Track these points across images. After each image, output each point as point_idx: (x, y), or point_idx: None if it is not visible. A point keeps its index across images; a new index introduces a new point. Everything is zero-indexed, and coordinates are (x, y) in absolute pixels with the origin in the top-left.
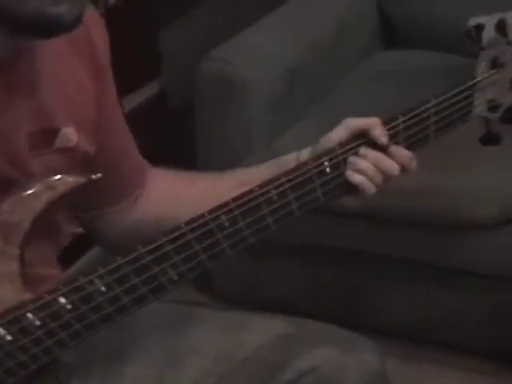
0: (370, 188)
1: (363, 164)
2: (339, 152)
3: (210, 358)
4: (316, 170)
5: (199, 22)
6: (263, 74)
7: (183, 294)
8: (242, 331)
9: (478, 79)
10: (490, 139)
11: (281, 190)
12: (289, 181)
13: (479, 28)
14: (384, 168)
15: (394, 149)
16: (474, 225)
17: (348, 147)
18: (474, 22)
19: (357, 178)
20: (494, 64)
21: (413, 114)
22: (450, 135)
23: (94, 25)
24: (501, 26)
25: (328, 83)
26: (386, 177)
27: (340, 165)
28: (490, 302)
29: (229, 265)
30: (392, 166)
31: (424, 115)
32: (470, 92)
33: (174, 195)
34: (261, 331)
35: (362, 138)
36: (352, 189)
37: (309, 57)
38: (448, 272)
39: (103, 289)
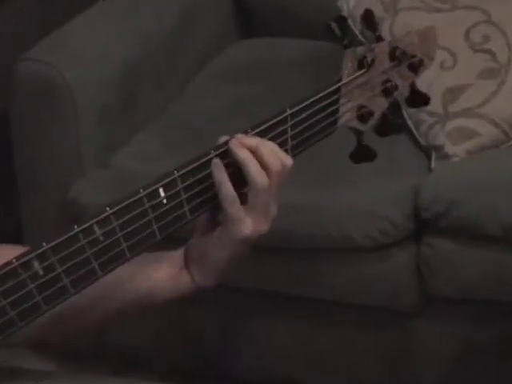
0: (260, 175)
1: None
2: (177, 175)
3: None
4: (149, 204)
5: (8, 17)
6: (92, 77)
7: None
8: None
9: (343, 82)
10: (362, 155)
11: (107, 228)
12: (116, 216)
13: (341, 21)
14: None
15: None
16: (352, 249)
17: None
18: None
19: (242, 153)
20: (362, 63)
21: (263, 127)
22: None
23: None
24: (368, 18)
25: (174, 83)
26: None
27: (180, 193)
28: (377, 339)
29: None
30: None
31: (279, 129)
32: (334, 98)
33: None
34: None
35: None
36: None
37: (147, 53)
38: (321, 306)
39: None
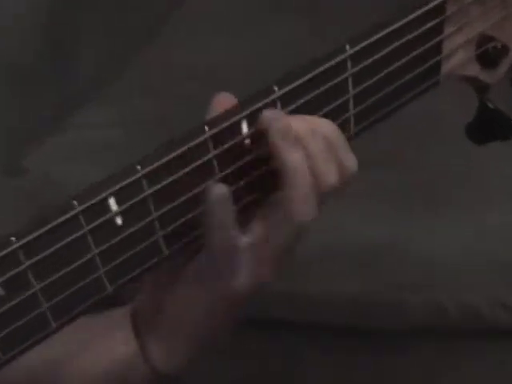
0: (307, 205)
1: None
2: (142, 173)
3: None
4: (90, 227)
5: None
6: None
7: None
8: None
9: None
10: (488, 127)
11: (13, 273)
12: (28, 252)
13: None
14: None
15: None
16: (473, 329)
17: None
18: None
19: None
20: None
21: (300, 81)
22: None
23: None
24: None
25: (141, 21)
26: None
27: (148, 206)
28: None
29: None
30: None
31: (332, 82)
32: (432, 24)
33: None
34: None
35: None
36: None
37: None
38: None
39: None
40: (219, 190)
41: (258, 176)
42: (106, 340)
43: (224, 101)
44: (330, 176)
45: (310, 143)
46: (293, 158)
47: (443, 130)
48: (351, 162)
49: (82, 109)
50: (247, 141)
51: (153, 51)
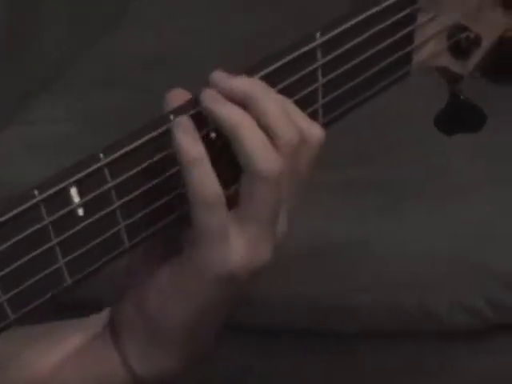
0: (265, 152)
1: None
2: (104, 162)
3: None
4: (52, 218)
5: None
6: None
7: None
8: None
9: None
10: (458, 118)
11: None
12: None
13: None
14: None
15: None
16: (439, 332)
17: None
18: None
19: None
20: None
21: (269, 70)
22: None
23: None
24: None
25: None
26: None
27: (110, 196)
28: None
29: None
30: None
31: (299, 74)
32: (404, 13)
33: None
34: None
35: None
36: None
37: None
38: None
39: None
40: (180, 119)
41: (225, 163)
42: (84, 353)
43: (178, 96)
44: (286, 132)
45: (261, 103)
46: (229, 113)
47: (415, 127)
48: (312, 126)
49: (32, 104)
50: (212, 134)
51: (109, 41)
